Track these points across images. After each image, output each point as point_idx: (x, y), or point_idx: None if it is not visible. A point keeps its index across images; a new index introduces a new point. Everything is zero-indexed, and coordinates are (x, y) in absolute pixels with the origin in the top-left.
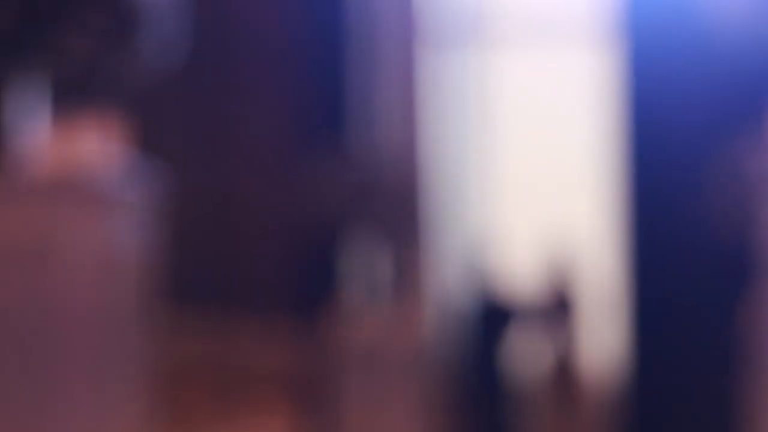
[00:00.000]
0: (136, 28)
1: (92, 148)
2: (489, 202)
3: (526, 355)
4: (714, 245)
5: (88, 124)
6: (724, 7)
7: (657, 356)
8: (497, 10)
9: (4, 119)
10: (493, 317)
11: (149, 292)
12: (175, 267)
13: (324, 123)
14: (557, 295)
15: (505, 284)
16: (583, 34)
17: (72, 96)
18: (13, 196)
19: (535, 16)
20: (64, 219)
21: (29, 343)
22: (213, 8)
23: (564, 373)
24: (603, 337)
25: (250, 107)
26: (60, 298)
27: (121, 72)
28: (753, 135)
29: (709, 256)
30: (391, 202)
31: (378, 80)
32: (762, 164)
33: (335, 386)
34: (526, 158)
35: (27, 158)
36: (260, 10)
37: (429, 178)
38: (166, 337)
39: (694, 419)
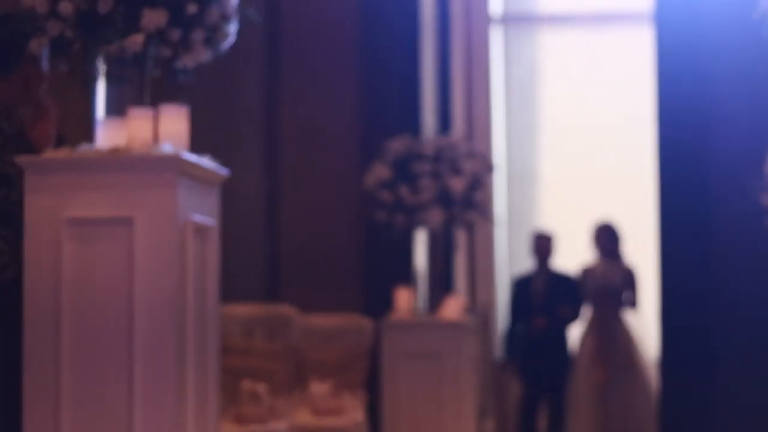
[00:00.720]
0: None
1: (170, 128)
2: (543, 179)
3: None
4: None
5: (166, 107)
6: None
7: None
8: None
9: (91, 97)
10: (549, 291)
11: (219, 266)
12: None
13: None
14: (612, 270)
15: (559, 261)
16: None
17: (153, 78)
18: (101, 167)
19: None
20: (146, 189)
21: (117, 312)
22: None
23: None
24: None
25: (327, 104)
26: (143, 267)
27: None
28: None
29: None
30: (457, 186)
31: (449, 65)
32: None
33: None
34: (574, 135)
35: (112, 133)
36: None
37: (494, 157)
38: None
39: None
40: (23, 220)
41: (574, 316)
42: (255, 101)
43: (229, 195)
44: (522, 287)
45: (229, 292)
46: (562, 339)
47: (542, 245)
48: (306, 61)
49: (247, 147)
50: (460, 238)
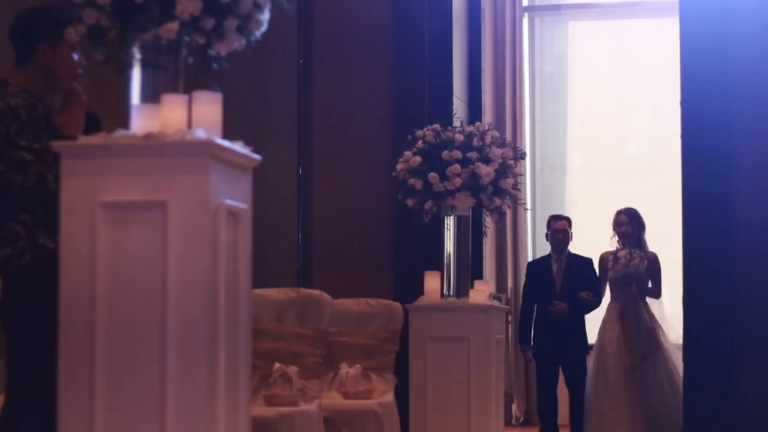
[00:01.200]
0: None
1: (203, 114)
2: (568, 164)
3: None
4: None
5: (199, 94)
6: None
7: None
8: None
9: (126, 84)
10: (568, 275)
11: (251, 249)
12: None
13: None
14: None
15: (585, 250)
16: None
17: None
18: (135, 152)
19: None
20: (179, 174)
21: (150, 294)
22: None
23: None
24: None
25: (359, 92)
26: (176, 250)
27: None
28: None
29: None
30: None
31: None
32: None
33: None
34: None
35: (146, 118)
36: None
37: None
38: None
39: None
40: (38, 205)
41: (594, 302)
42: (288, 89)
43: (263, 182)
44: (539, 270)
45: (263, 277)
46: (580, 325)
47: (558, 229)
48: (338, 50)
49: (280, 135)
50: (489, 224)
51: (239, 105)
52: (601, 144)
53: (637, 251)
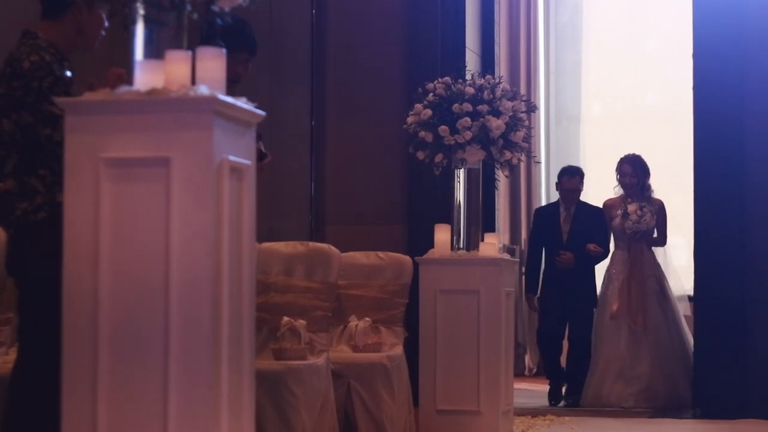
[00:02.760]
0: None
1: (207, 70)
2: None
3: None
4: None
5: (203, 49)
6: None
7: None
8: None
9: (130, 40)
10: (576, 224)
11: (255, 205)
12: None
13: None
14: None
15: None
16: None
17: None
18: (138, 108)
19: None
20: (182, 130)
21: (153, 249)
22: None
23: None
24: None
25: (372, 45)
26: (179, 206)
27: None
28: None
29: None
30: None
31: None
32: None
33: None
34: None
35: (150, 74)
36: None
37: (536, 97)
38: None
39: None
40: (60, 161)
41: (601, 253)
42: (302, 43)
43: (277, 135)
44: (546, 218)
45: (277, 229)
46: (589, 276)
47: (569, 189)
48: (352, 3)
49: (294, 89)
50: (500, 176)
51: (255, 61)
52: (617, 93)
53: (646, 206)
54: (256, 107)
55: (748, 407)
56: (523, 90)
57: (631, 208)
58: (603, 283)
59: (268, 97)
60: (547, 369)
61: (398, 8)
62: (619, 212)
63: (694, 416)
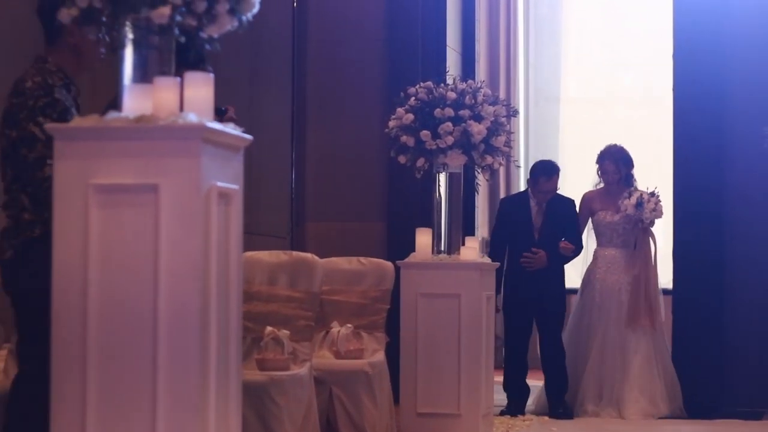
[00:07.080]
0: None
1: (195, 95)
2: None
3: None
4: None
5: (191, 74)
6: None
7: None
8: None
9: (119, 64)
10: (548, 218)
11: (241, 228)
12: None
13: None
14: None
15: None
16: None
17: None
18: (127, 135)
19: None
20: (171, 157)
21: (142, 275)
22: None
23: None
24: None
25: (354, 47)
26: (168, 233)
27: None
28: None
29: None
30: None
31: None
32: None
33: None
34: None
35: (138, 99)
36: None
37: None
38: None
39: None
40: (39, 183)
41: (573, 251)
42: (283, 41)
43: (257, 133)
44: (515, 211)
45: (256, 226)
46: (558, 274)
47: (546, 190)
48: (334, 3)
49: (274, 86)
50: (481, 180)
51: (233, 57)
52: (596, 75)
53: (647, 195)
54: (237, 105)
55: (726, 408)
56: (502, 81)
57: (644, 196)
58: (585, 287)
59: (248, 95)
60: (509, 387)
61: (380, 8)
62: (624, 203)
63: (673, 416)
